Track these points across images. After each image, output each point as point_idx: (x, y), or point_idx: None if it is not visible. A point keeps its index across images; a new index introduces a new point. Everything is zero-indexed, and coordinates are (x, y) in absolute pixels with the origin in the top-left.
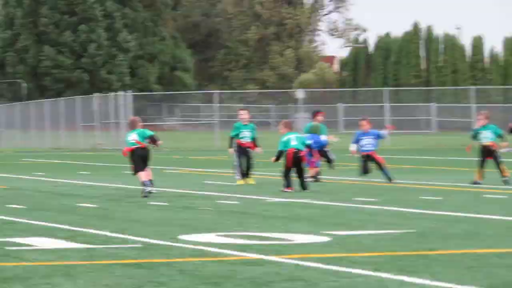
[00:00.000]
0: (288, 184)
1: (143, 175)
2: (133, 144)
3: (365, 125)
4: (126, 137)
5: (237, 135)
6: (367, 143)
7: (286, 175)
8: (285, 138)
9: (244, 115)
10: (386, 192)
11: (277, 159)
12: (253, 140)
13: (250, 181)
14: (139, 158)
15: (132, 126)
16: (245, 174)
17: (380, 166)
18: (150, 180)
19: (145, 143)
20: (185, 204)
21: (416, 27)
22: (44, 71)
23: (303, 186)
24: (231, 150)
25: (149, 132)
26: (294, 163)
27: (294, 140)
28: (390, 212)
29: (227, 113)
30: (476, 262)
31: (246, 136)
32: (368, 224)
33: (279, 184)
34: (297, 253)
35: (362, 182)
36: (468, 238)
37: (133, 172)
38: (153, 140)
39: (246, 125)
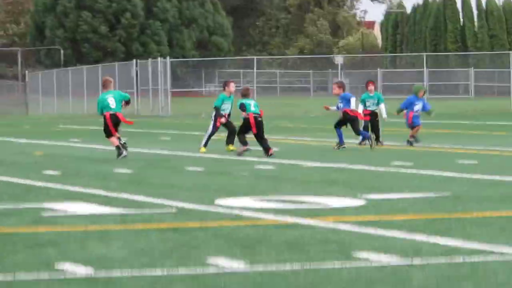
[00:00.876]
0: (245, 143)
1: (116, 140)
2: (111, 109)
3: (334, 89)
4: (104, 99)
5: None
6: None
7: (243, 136)
8: (241, 101)
9: (233, 87)
10: (423, 157)
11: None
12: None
13: (231, 147)
14: (114, 123)
15: (106, 87)
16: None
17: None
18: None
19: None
20: (222, 170)
21: None
22: (82, 37)
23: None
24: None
25: (124, 94)
26: (257, 128)
27: (252, 106)
28: (426, 176)
29: (266, 78)
30: (511, 224)
31: (226, 108)
32: (404, 188)
33: (317, 149)
34: (332, 216)
35: (400, 147)
36: (503, 201)
37: (107, 136)
38: (127, 103)
39: (229, 97)
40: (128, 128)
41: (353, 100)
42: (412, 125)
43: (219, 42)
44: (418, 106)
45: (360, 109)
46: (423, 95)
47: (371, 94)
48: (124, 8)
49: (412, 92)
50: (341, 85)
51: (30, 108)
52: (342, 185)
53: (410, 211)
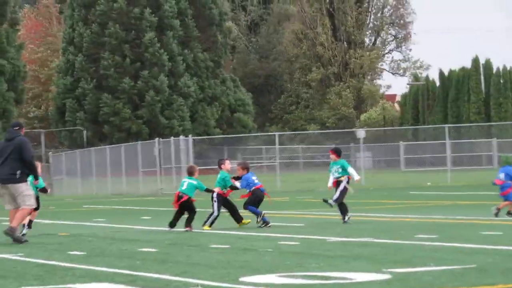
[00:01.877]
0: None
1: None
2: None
3: (238, 171)
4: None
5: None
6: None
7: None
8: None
9: (229, 165)
10: (446, 229)
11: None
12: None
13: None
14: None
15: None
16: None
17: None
18: None
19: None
20: (246, 246)
21: (476, 62)
22: (103, 119)
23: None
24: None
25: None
26: (180, 207)
27: (185, 184)
28: (450, 248)
29: (289, 154)
30: None
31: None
32: (429, 260)
33: (339, 223)
34: None
35: (422, 219)
36: None
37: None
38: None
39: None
40: (152, 207)
41: (254, 178)
42: (507, 198)
43: (242, 119)
44: None
45: (331, 180)
46: None
47: (334, 162)
48: (150, 85)
49: (504, 163)
50: (245, 166)
51: (54, 188)
52: (367, 259)
53: (436, 285)
